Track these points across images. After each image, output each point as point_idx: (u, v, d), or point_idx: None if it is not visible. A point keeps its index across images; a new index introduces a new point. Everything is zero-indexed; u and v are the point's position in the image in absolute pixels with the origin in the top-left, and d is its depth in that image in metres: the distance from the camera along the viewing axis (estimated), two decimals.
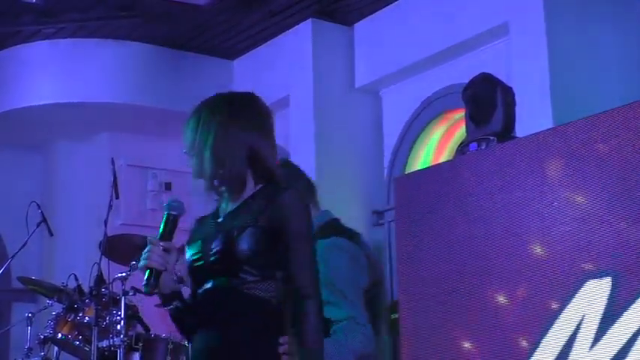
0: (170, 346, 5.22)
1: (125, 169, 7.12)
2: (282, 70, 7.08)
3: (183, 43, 7.35)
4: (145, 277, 2.40)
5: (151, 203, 7.71)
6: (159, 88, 7.35)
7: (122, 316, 5.10)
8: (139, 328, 5.38)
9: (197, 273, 2.46)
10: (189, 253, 2.49)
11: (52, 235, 5.79)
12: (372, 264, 3.54)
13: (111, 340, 5.04)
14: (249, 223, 2.43)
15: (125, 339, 5.06)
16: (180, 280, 2.47)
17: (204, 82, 7.50)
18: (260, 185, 2.55)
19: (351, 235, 3.53)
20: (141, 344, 5.15)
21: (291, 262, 2.41)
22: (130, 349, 5.10)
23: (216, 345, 2.42)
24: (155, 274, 2.41)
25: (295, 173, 3.50)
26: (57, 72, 7.28)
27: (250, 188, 2.56)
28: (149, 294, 2.44)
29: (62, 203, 7.43)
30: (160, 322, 5.56)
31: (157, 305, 5.23)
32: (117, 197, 5.57)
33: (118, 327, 5.09)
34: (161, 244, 2.44)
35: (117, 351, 5.04)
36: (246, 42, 7.36)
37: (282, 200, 2.45)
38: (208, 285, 2.44)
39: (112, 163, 5.63)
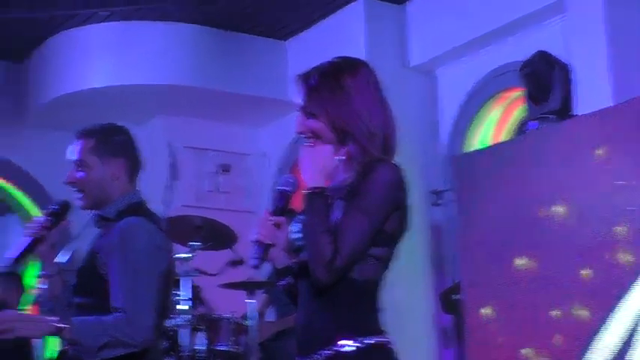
0: (233, 326, 5.28)
1: (182, 152, 7.15)
2: (335, 50, 6.93)
3: (235, 24, 7.36)
4: (254, 251, 2.43)
5: (208, 185, 7.77)
6: (212, 69, 7.37)
7: (185, 296, 5.15)
8: (202, 309, 5.45)
9: (297, 251, 2.49)
10: (292, 230, 2.51)
11: None
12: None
13: (174, 320, 5.09)
14: (340, 197, 2.43)
15: (189, 319, 5.11)
16: None
17: (257, 63, 7.51)
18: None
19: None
20: (204, 324, 5.21)
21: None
22: (194, 330, 5.16)
23: (303, 320, 2.46)
24: (264, 248, 2.44)
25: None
26: (111, 55, 7.32)
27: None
28: (257, 267, 2.45)
29: None
30: (222, 302, 5.63)
31: (220, 285, 5.33)
32: (176, 179, 5.62)
33: (182, 307, 5.13)
34: (271, 218, 2.46)
35: (180, 331, 5.10)
36: (298, 22, 7.35)
37: (373, 172, 2.40)
38: (301, 258, 2.47)
39: (170, 144, 5.67)
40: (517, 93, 5.87)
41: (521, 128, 4.96)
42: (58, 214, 3.19)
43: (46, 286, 3.22)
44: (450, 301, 5.86)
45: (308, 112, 2.50)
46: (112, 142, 3.19)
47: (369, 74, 2.54)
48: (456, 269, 6.13)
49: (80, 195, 3.15)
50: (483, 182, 4.85)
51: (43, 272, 3.22)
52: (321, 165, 2.43)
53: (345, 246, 2.33)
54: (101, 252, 3.05)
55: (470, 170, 4.99)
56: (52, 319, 2.94)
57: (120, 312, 2.94)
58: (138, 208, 3.15)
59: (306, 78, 2.53)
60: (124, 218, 3.07)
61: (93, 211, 3.20)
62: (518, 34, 6.25)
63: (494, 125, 6.58)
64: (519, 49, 5.88)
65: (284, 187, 2.51)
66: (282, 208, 2.48)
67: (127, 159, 3.20)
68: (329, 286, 2.36)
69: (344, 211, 2.38)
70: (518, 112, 6.13)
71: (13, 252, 3.17)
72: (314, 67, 2.55)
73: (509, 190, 4.69)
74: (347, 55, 2.60)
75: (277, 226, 2.46)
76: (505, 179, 4.73)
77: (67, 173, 3.17)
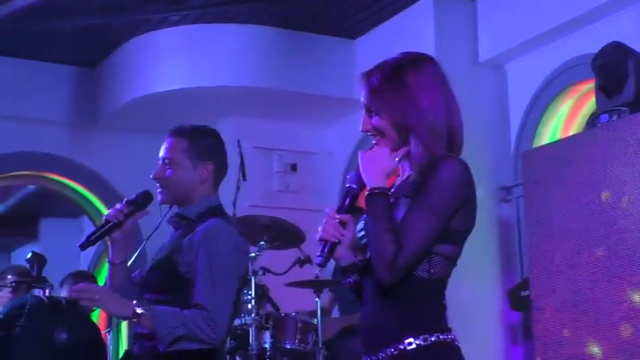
0: (299, 325, 5.29)
1: (250, 152, 7.18)
2: (404, 48, 6.88)
3: (304, 24, 7.38)
4: (319, 249, 2.41)
5: (276, 184, 7.80)
6: (282, 70, 7.39)
7: (252, 295, 5.18)
8: (269, 308, 5.47)
9: (363, 248, 2.47)
10: (358, 228, 2.49)
11: None
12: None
13: (242, 319, 5.13)
14: (405, 195, 2.40)
15: (256, 318, 5.14)
16: None
17: (326, 62, 7.51)
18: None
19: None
20: (271, 323, 5.24)
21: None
22: (260, 328, 5.19)
23: (368, 318, 2.44)
24: (329, 247, 2.41)
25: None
26: (182, 58, 7.40)
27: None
28: (321, 266, 2.43)
29: None
30: (289, 301, 5.64)
31: (286, 284, 5.35)
32: (244, 179, 5.65)
33: (249, 306, 5.16)
34: (337, 216, 2.43)
35: (248, 329, 5.13)
36: (367, 21, 7.34)
37: (437, 169, 2.36)
38: (367, 256, 2.44)
39: (239, 145, 5.70)
40: (589, 85, 5.75)
41: (593, 122, 4.84)
42: (138, 202, 3.22)
43: (109, 278, 3.26)
44: (518, 298, 5.76)
45: (371, 110, 2.48)
46: (204, 145, 3.23)
47: (434, 69, 2.49)
48: (524, 265, 6.04)
49: (161, 189, 3.20)
50: (552, 177, 4.75)
51: (109, 259, 3.26)
52: (381, 165, 2.40)
53: (408, 244, 2.30)
54: (182, 251, 3.09)
55: (539, 165, 4.90)
56: (134, 303, 2.99)
57: (200, 308, 2.99)
58: (216, 211, 3.20)
59: (368, 76, 2.50)
60: (204, 220, 3.12)
61: (170, 212, 3.27)
62: (590, 26, 6.12)
63: (565, 119, 6.47)
64: (591, 41, 5.75)
65: (350, 185, 2.48)
66: (347, 205, 2.45)
67: (215, 163, 3.24)
68: (393, 285, 2.33)
69: (408, 208, 2.34)
70: (590, 105, 6.00)
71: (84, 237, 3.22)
72: (376, 65, 2.52)
73: (578, 184, 4.60)
74: (411, 51, 2.56)
75: (343, 224, 2.44)
76: (574, 174, 4.63)
77: (155, 169, 3.22)
